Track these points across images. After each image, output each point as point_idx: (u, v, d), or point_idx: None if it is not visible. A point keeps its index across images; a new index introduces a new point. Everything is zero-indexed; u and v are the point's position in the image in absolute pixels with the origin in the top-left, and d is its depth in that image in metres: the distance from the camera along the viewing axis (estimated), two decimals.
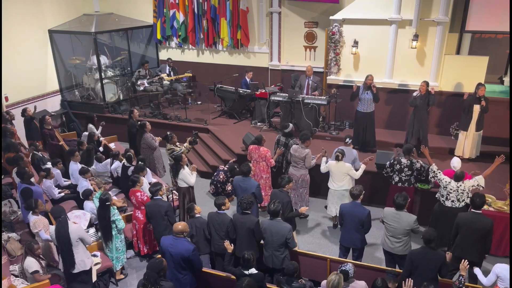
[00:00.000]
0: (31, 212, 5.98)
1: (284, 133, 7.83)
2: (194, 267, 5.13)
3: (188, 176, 7.01)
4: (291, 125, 7.92)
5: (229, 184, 8.33)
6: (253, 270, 4.79)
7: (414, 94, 8.26)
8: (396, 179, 6.96)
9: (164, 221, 6.04)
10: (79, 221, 6.36)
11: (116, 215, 6.12)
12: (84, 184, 7.04)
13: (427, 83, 8.20)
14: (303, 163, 7.23)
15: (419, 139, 8.41)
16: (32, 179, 6.94)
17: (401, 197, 5.46)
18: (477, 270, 5.16)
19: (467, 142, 8.23)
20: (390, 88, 9.53)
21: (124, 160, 7.67)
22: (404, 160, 6.86)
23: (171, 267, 5.05)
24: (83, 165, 7.61)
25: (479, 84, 7.94)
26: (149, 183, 7.42)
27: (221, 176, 8.41)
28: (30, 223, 5.97)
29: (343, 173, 6.97)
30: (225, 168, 8.53)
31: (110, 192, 6.70)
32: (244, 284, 4.34)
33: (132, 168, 7.45)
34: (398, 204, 5.47)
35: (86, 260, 5.45)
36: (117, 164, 7.84)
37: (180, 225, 5.11)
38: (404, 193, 5.55)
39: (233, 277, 5.13)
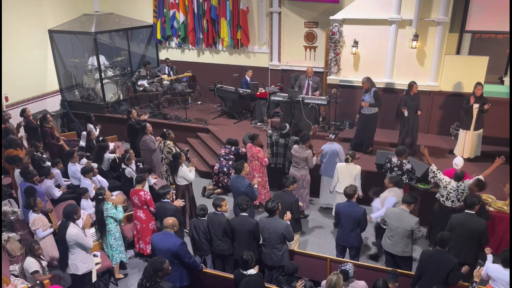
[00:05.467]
0: (31, 210, 6.00)
1: (282, 134, 7.85)
2: (183, 263, 5.11)
3: (187, 172, 7.10)
4: (288, 125, 7.99)
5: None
6: (252, 271, 4.79)
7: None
8: None
9: None
10: (79, 221, 6.34)
11: (109, 210, 6.12)
12: (86, 183, 7.03)
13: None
14: (304, 163, 7.23)
15: (413, 138, 8.48)
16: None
17: (409, 195, 5.56)
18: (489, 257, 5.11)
19: (467, 141, 8.25)
20: (390, 88, 9.54)
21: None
22: (394, 160, 6.90)
23: None
24: (83, 165, 7.61)
25: (477, 84, 7.98)
26: (149, 186, 7.47)
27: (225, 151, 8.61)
28: (30, 221, 5.98)
29: (354, 175, 6.96)
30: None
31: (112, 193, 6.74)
32: (252, 280, 4.33)
33: (129, 169, 7.47)
34: (406, 201, 5.53)
35: (80, 265, 5.41)
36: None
37: (170, 220, 5.16)
38: (413, 193, 5.58)
39: (231, 276, 5.14)
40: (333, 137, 7.60)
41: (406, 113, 8.24)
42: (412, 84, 8.24)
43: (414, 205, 5.57)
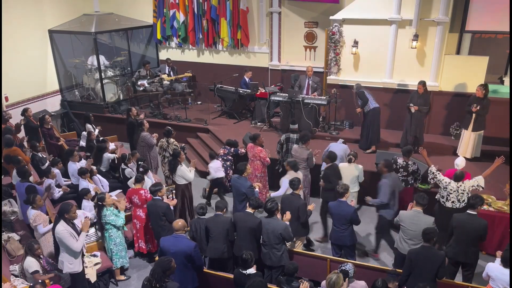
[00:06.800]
0: (30, 207, 6.00)
1: (292, 130, 7.85)
2: (195, 264, 5.16)
3: (186, 171, 7.10)
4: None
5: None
6: (251, 270, 4.79)
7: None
8: None
9: (161, 221, 6.06)
10: (78, 221, 6.35)
11: (108, 216, 6.09)
12: (84, 184, 7.03)
13: (424, 83, 8.29)
14: (305, 163, 7.22)
15: (416, 137, 8.47)
16: (31, 178, 6.96)
17: (421, 197, 5.50)
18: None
19: (464, 141, 8.26)
20: (390, 88, 9.54)
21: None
22: (400, 161, 6.89)
23: None
24: (81, 165, 7.61)
25: (479, 85, 7.99)
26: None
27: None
28: (31, 218, 5.97)
29: (355, 176, 6.97)
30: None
31: (111, 193, 6.73)
32: (256, 283, 4.34)
33: (129, 169, 7.47)
34: (419, 203, 5.48)
35: (66, 264, 5.35)
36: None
37: (180, 222, 5.19)
38: (422, 194, 5.55)
39: (231, 276, 5.14)
40: (342, 141, 7.81)
41: (413, 110, 8.29)
42: (420, 83, 8.29)
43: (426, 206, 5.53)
